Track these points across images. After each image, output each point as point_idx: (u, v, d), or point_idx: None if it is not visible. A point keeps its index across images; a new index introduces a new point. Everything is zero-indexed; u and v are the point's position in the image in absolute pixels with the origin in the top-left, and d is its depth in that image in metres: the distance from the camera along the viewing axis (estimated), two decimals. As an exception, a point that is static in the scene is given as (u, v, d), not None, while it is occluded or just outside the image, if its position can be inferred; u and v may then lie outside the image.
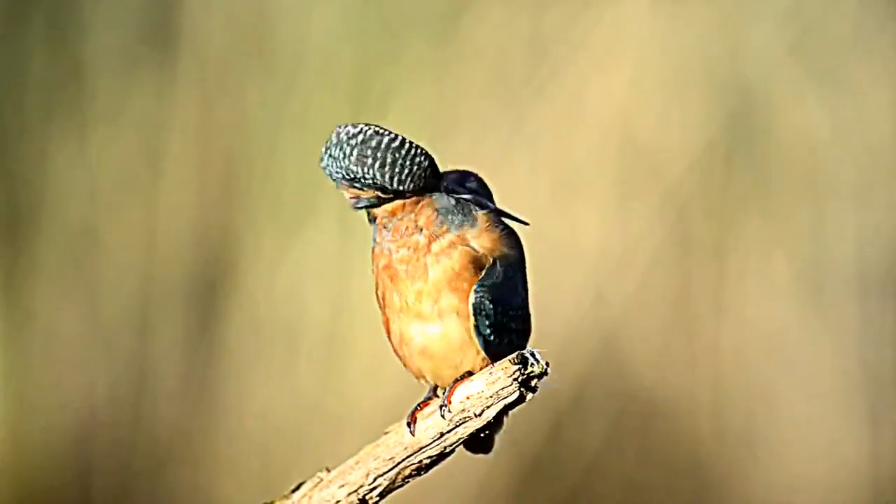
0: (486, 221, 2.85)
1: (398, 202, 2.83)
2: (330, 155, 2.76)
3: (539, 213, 5.25)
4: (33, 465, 5.23)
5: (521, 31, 5.30)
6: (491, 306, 2.82)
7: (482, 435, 2.89)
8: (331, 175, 2.78)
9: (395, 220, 2.82)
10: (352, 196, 2.81)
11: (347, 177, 2.76)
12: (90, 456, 5.24)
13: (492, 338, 2.83)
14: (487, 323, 2.82)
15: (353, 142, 2.74)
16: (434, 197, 2.82)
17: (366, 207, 2.83)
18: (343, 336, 5.23)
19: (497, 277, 2.82)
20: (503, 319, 2.84)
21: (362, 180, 2.76)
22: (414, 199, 2.81)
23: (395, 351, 2.94)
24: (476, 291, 2.80)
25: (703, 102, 5.30)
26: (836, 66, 5.28)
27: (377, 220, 2.84)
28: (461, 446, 2.94)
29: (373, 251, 2.88)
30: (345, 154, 2.74)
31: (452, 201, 2.82)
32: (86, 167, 5.29)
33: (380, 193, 2.78)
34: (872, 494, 5.18)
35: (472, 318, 2.81)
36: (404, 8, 5.31)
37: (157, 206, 5.29)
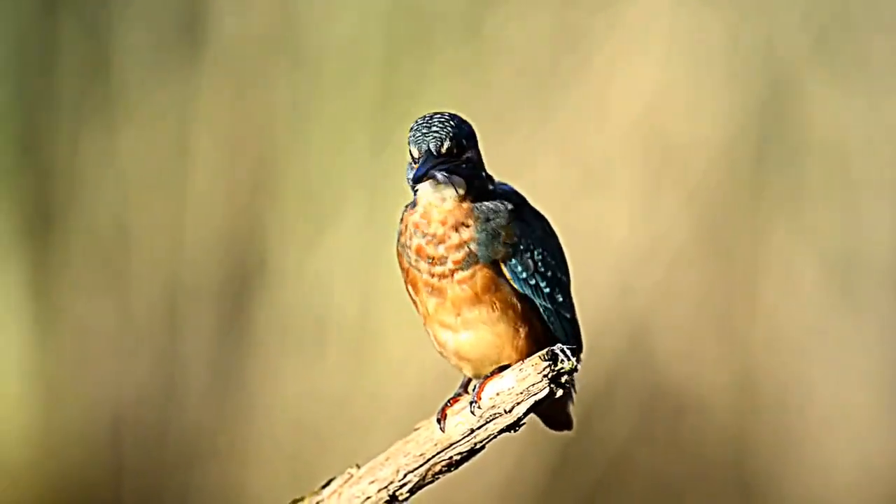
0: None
1: (453, 204, 2.86)
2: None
3: (566, 206, 5.24)
4: (64, 461, 5.27)
5: (546, 26, 5.29)
6: (526, 250, 2.88)
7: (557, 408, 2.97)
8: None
9: (435, 226, 2.87)
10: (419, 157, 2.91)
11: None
12: (121, 451, 5.28)
13: (524, 275, 2.86)
14: (521, 260, 2.88)
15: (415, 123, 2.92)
16: (479, 215, 2.87)
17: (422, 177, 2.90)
18: (372, 332, 5.24)
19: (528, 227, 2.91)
20: (538, 261, 2.88)
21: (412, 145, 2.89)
22: (462, 212, 2.87)
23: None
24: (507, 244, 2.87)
25: (731, 95, 5.27)
26: (868, 56, 5.24)
27: (420, 211, 2.88)
28: (545, 425, 3.03)
29: (397, 250, 2.91)
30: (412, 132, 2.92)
31: (485, 234, 2.88)
32: (115, 164, 5.32)
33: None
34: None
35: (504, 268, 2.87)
36: (431, 5, 5.31)
37: (187, 202, 5.31)
